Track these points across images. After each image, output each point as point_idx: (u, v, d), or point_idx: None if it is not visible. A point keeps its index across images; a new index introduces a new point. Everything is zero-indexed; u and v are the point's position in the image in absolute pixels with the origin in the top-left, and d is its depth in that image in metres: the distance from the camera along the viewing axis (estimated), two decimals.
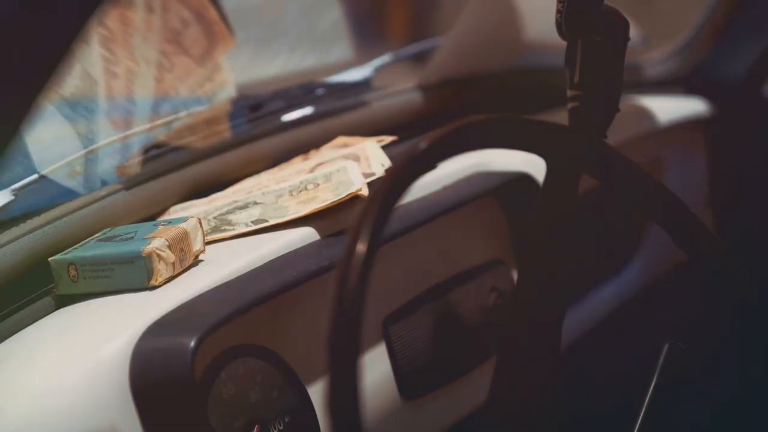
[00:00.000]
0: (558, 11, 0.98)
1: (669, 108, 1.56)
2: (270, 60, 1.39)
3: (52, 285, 0.96)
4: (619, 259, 1.50)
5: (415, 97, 1.38)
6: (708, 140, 1.61)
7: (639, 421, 0.96)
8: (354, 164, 1.07)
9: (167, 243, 0.94)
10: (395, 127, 1.29)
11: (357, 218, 0.73)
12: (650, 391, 0.97)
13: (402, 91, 1.38)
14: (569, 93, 0.99)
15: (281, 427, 0.94)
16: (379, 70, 1.41)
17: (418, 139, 0.79)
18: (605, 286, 1.46)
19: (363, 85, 1.39)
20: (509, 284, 1.17)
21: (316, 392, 0.98)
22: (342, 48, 1.52)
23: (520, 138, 0.86)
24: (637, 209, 0.94)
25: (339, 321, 0.71)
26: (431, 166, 0.79)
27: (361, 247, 0.72)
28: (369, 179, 1.05)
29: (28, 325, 0.92)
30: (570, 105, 0.99)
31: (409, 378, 1.06)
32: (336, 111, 1.29)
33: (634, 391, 1.03)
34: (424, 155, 0.78)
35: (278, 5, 1.40)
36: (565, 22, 0.98)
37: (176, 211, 1.09)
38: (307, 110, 1.27)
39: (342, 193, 1.02)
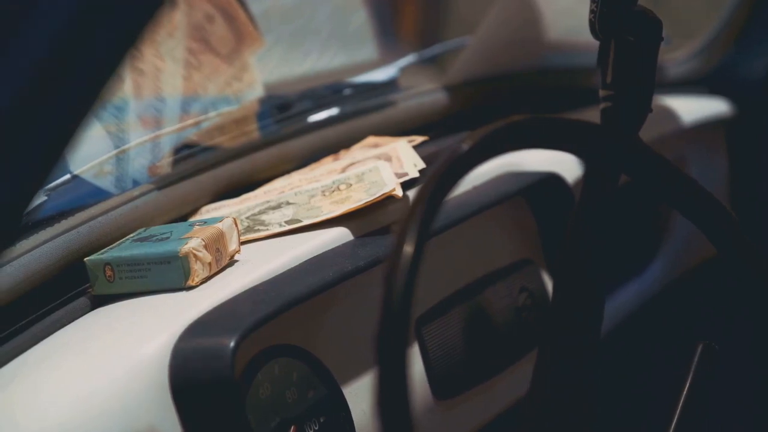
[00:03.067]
0: (591, 11, 0.98)
1: (691, 108, 1.56)
2: (301, 59, 1.39)
3: (86, 285, 0.96)
4: (640, 259, 1.50)
5: (441, 97, 1.38)
6: (729, 140, 1.62)
7: (674, 422, 0.96)
8: (386, 164, 1.07)
9: (203, 243, 0.93)
10: (422, 126, 1.29)
11: (403, 219, 0.73)
12: (684, 392, 0.97)
13: (428, 91, 1.38)
14: (602, 93, 0.99)
15: (316, 428, 0.94)
16: (403, 70, 1.41)
17: (461, 139, 0.78)
18: (627, 285, 1.46)
19: (389, 85, 1.39)
20: (539, 284, 1.17)
21: (351, 392, 0.98)
22: (371, 48, 1.53)
23: (562, 138, 0.86)
24: (676, 209, 0.94)
25: (387, 322, 0.71)
26: (475, 166, 0.79)
27: (408, 248, 0.72)
28: (402, 179, 1.05)
29: (65, 325, 0.92)
30: (602, 105, 0.99)
31: (441, 378, 1.06)
32: (363, 111, 1.29)
33: (661, 392, 1.03)
34: (468, 155, 0.78)
35: (310, 6, 1.40)
36: (599, 21, 0.98)
37: (208, 211, 1.09)
38: (335, 110, 1.27)
39: (375, 194, 1.01)
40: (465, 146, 0.78)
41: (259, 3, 1.23)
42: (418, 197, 0.75)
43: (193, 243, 0.93)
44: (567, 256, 0.94)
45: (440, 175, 0.76)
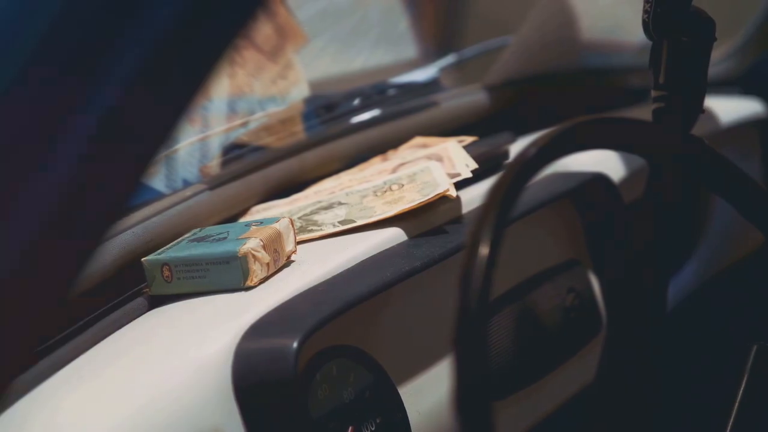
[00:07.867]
0: (645, 11, 0.99)
1: (725, 109, 1.56)
2: (352, 58, 1.39)
3: (143, 285, 0.96)
4: (678, 257, 1.50)
5: (482, 98, 1.38)
6: (764, 140, 1.62)
7: (730, 424, 0.96)
8: (437, 164, 1.07)
9: (262, 243, 0.93)
10: (464, 126, 1.29)
11: (478, 221, 0.73)
12: (740, 395, 0.97)
13: (469, 92, 1.38)
14: (654, 93, 1.00)
15: (373, 428, 0.94)
16: (444, 70, 1.41)
17: (529, 144, 0.79)
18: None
19: (431, 85, 1.39)
20: (586, 284, 1.17)
21: (408, 393, 0.97)
22: (413, 48, 1.53)
23: (628, 139, 0.86)
24: (735, 207, 0.94)
25: (464, 323, 0.71)
26: (543, 168, 0.79)
27: (483, 251, 0.72)
28: (454, 179, 1.05)
29: (124, 325, 0.92)
30: (654, 105, 1.00)
31: (492, 379, 1.06)
32: (407, 111, 1.28)
33: (702, 390, 1.03)
34: (536, 158, 0.78)
35: (362, 7, 1.41)
36: (653, 22, 0.98)
37: (258, 212, 1.09)
38: (380, 110, 1.27)
39: (429, 194, 1.01)
40: (533, 150, 0.78)
41: (312, 4, 1.23)
42: (491, 199, 0.75)
43: (252, 243, 0.93)
44: (632, 251, 0.95)
45: (512, 178, 0.76)
